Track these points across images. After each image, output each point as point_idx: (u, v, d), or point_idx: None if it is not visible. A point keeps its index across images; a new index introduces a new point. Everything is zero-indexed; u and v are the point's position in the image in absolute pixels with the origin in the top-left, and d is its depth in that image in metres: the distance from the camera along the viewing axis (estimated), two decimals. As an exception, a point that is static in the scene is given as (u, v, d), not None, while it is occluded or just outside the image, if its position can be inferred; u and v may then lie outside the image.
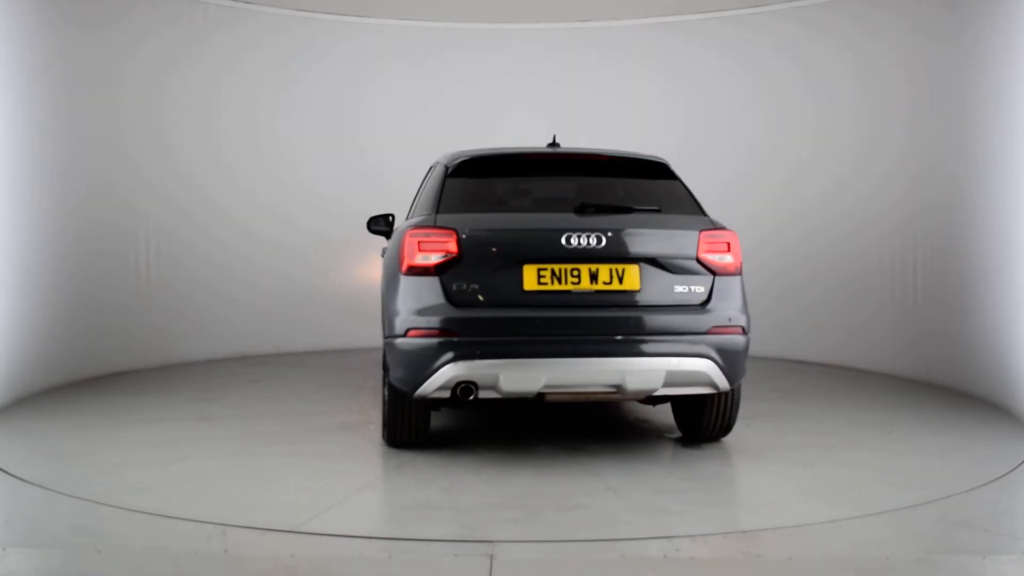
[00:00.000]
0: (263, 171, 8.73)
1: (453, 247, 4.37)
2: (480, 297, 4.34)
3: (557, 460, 4.63)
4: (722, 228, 4.65)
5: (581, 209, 4.54)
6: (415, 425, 4.73)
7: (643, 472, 4.43)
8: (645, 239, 4.48)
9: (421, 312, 4.33)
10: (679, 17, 8.85)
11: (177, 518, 3.66)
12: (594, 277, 4.38)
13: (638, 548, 3.36)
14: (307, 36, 8.88)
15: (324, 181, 8.96)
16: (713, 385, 4.45)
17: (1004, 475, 4.40)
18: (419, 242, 4.41)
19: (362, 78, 9.12)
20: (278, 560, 3.23)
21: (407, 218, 5.46)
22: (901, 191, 7.37)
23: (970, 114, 6.49)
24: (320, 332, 8.89)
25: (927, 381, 6.96)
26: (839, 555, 3.35)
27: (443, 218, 4.50)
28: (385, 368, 4.75)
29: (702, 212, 4.81)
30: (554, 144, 5.39)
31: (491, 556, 3.25)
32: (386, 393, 4.76)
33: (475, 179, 4.90)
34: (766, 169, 8.53)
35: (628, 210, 4.61)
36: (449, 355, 4.23)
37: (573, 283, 4.37)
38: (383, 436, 4.94)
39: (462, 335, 4.26)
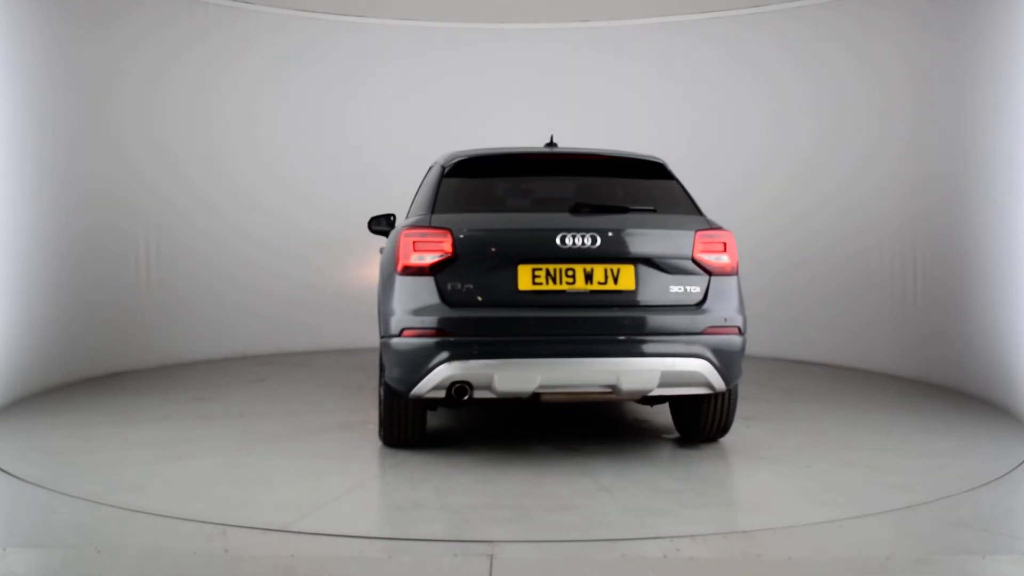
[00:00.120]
0: (262, 171, 8.73)
1: (448, 247, 4.37)
2: (475, 297, 4.34)
3: (552, 460, 4.63)
4: (718, 228, 4.64)
5: (576, 209, 4.54)
6: (411, 425, 4.74)
7: (637, 472, 4.42)
8: (640, 239, 4.47)
9: (416, 312, 4.33)
10: (679, 17, 8.84)
11: (177, 518, 3.67)
12: (589, 277, 4.38)
13: (638, 548, 3.36)
14: (306, 36, 8.88)
15: (322, 181, 8.96)
16: (709, 385, 4.44)
17: (1004, 475, 4.39)
18: (414, 242, 4.42)
19: (362, 78, 9.11)
20: (278, 560, 3.23)
21: (406, 218, 5.46)
22: (903, 194, 7.36)
23: (970, 118, 6.48)
24: (321, 332, 8.89)
25: (927, 381, 6.96)
26: (839, 555, 3.35)
27: (438, 218, 4.50)
28: (381, 368, 4.75)
29: (698, 212, 4.79)
30: (552, 144, 5.38)
31: (491, 556, 3.25)
32: (382, 393, 4.77)
33: (471, 179, 4.90)
34: (770, 169, 8.51)
35: (623, 210, 4.61)
36: (444, 355, 4.24)
37: (568, 283, 4.37)
38: (379, 436, 4.94)
39: (457, 335, 4.27)
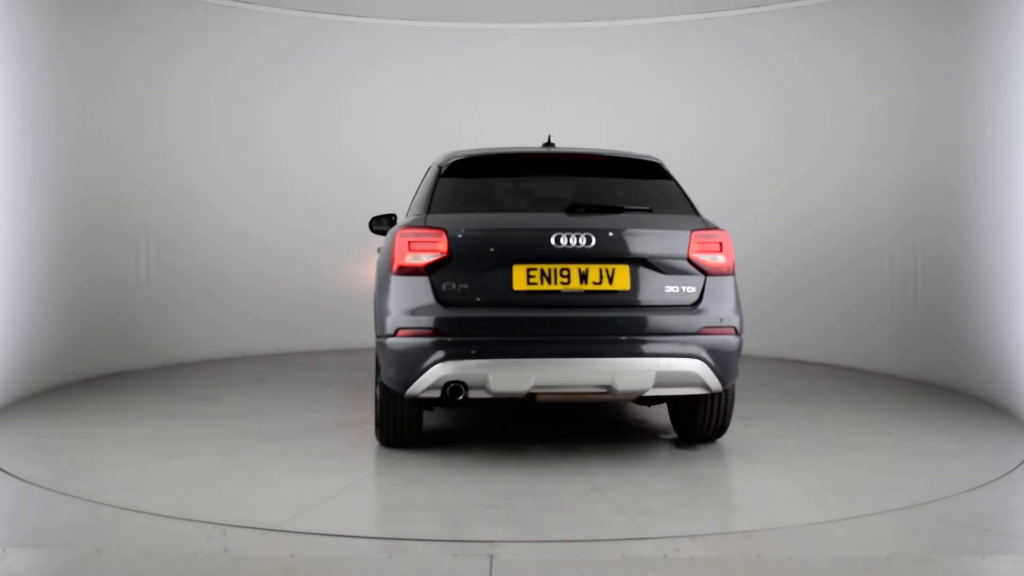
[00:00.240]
0: (260, 172, 8.74)
1: (443, 247, 4.38)
2: (470, 297, 4.34)
3: (548, 460, 4.63)
4: (714, 228, 4.62)
5: (571, 209, 4.53)
6: (407, 424, 4.74)
7: (632, 472, 4.41)
8: (635, 239, 4.46)
9: (411, 312, 4.34)
10: (680, 16, 8.83)
11: (177, 518, 3.67)
12: (584, 277, 4.37)
13: (638, 548, 3.35)
14: (305, 35, 8.88)
15: (321, 181, 8.96)
16: (704, 386, 4.43)
17: (1004, 475, 4.39)
18: (409, 242, 4.42)
19: (361, 78, 9.11)
20: (278, 560, 3.23)
21: (405, 218, 5.46)
22: (904, 196, 7.35)
23: (970, 118, 6.47)
24: (321, 332, 8.90)
25: (928, 382, 6.95)
26: (839, 555, 3.35)
27: (433, 218, 4.51)
28: (377, 368, 4.75)
29: (695, 212, 4.78)
30: (549, 144, 5.38)
31: (491, 556, 3.25)
32: (378, 392, 4.77)
33: (467, 179, 4.90)
34: (773, 170, 8.49)
35: (618, 210, 4.60)
36: (439, 355, 4.24)
37: (563, 283, 4.36)
38: (376, 435, 4.94)
39: (452, 335, 4.27)
